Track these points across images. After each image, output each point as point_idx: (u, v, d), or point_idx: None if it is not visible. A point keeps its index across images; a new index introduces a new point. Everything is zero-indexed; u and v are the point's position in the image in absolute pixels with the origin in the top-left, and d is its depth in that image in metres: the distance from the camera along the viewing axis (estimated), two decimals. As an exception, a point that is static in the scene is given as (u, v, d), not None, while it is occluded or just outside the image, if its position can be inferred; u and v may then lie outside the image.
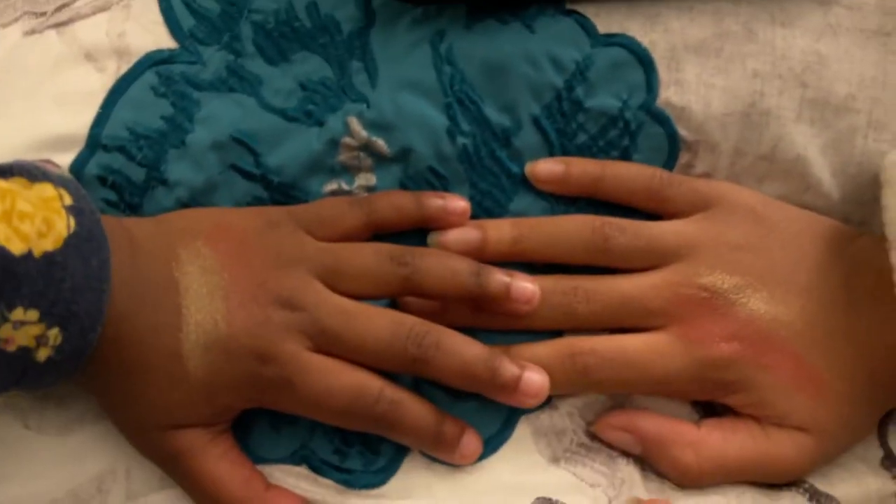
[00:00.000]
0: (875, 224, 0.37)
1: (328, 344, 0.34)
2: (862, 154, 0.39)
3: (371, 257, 0.35)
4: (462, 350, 0.34)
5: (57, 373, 0.31)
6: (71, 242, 0.30)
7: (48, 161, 0.35)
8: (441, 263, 0.35)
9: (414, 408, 0.35)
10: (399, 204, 0.37)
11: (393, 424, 0.34)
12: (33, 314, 0.29)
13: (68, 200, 0.31)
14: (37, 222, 0.30)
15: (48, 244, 0.30)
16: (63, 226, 0.30)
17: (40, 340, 0.30)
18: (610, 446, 0.38)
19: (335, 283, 0.35)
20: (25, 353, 0.30)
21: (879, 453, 0.38)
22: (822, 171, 0.38)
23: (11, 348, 0.29)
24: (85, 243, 0.31)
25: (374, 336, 0.34)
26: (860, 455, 0.38)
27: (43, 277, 0.30)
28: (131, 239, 0.34)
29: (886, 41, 0.39)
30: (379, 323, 0.34)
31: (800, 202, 0.39)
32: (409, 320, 0.35)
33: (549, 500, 0.36)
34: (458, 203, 0.37)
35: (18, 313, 0.29)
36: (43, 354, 0.30)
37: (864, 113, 0.38)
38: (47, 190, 0.31)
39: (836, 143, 0.38)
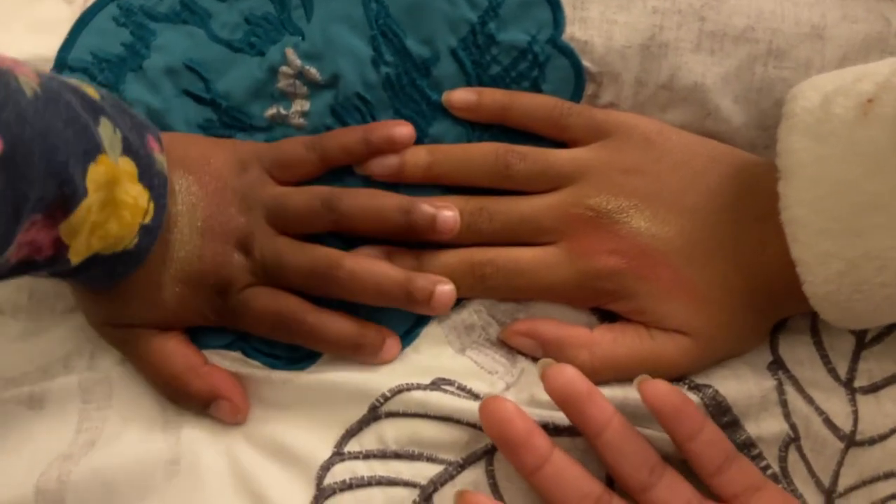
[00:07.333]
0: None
1: (269, 280, 0.38)
2: (762, 81, 0.40)
3: (303, 203, 0.39)
4: (377, 272, 0.38)
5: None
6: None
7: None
8: (367, 204, 0.38)
9: (337, 323, 0.38)
10: (346, 143, 0.39)
11: (318, 339, 0.38)
12: None
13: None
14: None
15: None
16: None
17: None
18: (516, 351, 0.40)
19: (281, 225, 0.39)
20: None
21: (769, 358, 0.40)
22: (723, 97, 0.40)
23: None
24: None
25: (294, 269, 0.38)
26: (747, 360, 0.40)
27: None
28: None
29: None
30: (301, 259, 0.38)
31: (702, 128, 0.40)
32: (323, 252, 0.38)
33: (449, 380, 0.39)
34: (403, 130, 0.39)
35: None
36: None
37: (763, 42, 0.40)
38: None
39: (737, 71, 0.40)
